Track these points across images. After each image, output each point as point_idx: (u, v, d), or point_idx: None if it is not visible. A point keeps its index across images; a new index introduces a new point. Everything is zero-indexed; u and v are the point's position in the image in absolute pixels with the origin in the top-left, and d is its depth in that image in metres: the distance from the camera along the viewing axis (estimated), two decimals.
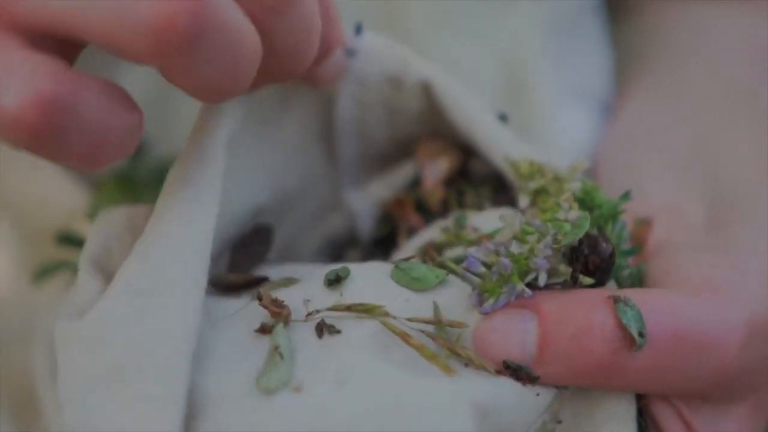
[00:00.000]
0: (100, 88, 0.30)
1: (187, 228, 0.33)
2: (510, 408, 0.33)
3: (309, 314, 0.34)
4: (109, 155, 0.31)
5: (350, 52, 0.40)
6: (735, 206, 0.43)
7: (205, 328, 0.33)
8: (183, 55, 0.29)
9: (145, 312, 0.32)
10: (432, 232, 0.40)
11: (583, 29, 0.52)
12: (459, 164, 0.42)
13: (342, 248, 0.44)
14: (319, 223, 0.44)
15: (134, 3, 0.28)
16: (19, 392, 0.48)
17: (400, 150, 0.43)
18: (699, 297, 0.35)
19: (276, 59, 0.33)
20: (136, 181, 0.48)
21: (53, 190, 0.49)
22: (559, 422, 0.35)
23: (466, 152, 0.42)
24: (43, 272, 0.46)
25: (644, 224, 0.40)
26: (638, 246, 0.38)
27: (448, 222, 0.39)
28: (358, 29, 0.40)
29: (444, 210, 0.41)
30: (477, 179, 0.42)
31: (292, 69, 0.34)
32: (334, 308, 0.34)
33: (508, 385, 0.33)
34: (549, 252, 0.34)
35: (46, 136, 0.29)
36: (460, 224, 0.39)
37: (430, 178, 0.42)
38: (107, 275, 0.35)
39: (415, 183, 0.42)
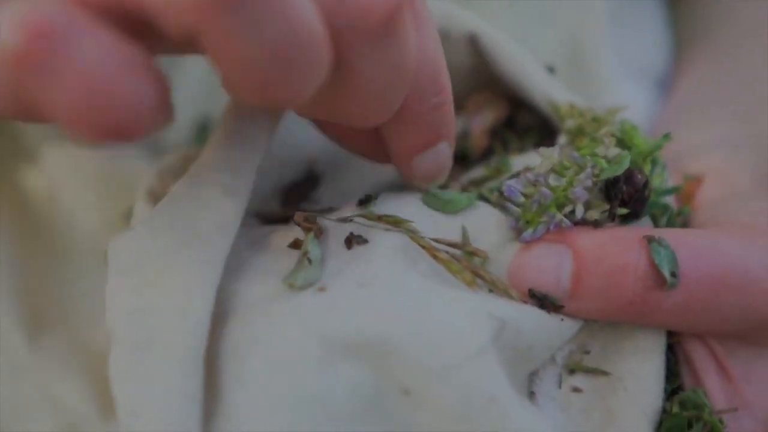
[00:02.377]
0: (111, 44, 0.28)
1: (235, 158, 0.35)
2: (531, 328, 0.34)
3: (340, 219, 0.35)
4: (110, 121, 0.28)
5: None
6: None
7: (243, 246, 0.35)
8: (223, 15, 0.27)
9: (185, 219, 0.34)
10: (475, 173, 0.41)
11: (643, 7, 0.53)
12: (504, 115, 0.43)
13: None
14: (372, 174, 0.45)
15: None
16: (99, 372, 0.49)
17: None
18: (738, 236, 0.35)
19: (350, 95, 0.31)
20: None
21: (132, 171, 0.51)
22: (587, 353, 0.36)
23: (512, 104, 0.43)
24: None
25: (693, 180, 0.41)
26: (679, 186, 0.38)
27: (491, 162, 0.40)
28: None
29: (487, 158, 0.42)
30: (522, 130, 0.43)
31: (366, 115, 0.32)
32: (364, 216, 0.35)
33: (530, 308, 0.34)
34: (589, 183, 0.34)
35: (31, 65, 0.27)
36: (502, 164, 0.40)
37: (477, 129, 0.43)
38: None
39: (464, 136, 0.43)
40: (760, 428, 0.36)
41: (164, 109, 0.29)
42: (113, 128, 0.28)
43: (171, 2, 0.27)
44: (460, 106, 0.44)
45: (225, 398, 0.31)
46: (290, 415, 0.30)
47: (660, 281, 0.34)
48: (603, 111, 0.38)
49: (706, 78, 0.50)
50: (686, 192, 0.41)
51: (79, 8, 0.28)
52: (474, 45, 0.42)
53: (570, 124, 0.38)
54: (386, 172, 0.45)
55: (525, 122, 0.43)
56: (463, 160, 0.43)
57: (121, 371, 0.31)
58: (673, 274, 0.34)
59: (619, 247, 0.34)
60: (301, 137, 0.42)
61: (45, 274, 0.47)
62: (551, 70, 0.43)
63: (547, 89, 0.41)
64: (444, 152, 0.36)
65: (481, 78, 0.43)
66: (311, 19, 0.28)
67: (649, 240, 0.34)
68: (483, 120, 0.43)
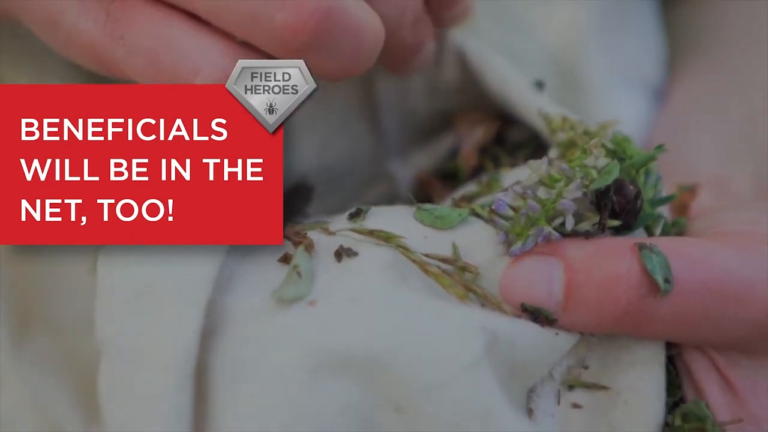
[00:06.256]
0: (365, 9, 0.34)
1: None
2: (525, 343, 0.33)
3: (330, 232, 0.35)
4: (357, 66, 0.35)
5: None
6: None
7: (232, 259, 0.35)
8: (309, 54, 0.33)
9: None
10: (467, 189, 0.40)
11: (635, 14, 0.52)
12: (494, 132, 0.42)
13: None
14: (364, 192, 0.45)
15: (270, 9, 0.33)
16: (85, 379, 0.49)
17: (441, 123, 0.44)
18: (735, 245, 0.35)
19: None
20: None
21: None
22: (586, 368, 0.35)
23: (502, 121, 0.43)
24: None
25: (689, 190, 0.40)
26: (672, 195, 0.38)
27: (483, 179, 0.40)
28: None
29: (478, 176, 0.42)
30: (513, 146, 0.42)
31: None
32: (355, 230, 0.35)
33: (524, 323, 0.34)
34: (579, 194, 0.34)
35: (321, 41, 0.33)
36: (493, 179, 0.39)
37: (466, 149, 0.42)
38: None
39: (454, 154, 0.43)
40: None
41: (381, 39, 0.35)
42: (359, 72, 0.35)
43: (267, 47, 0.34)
44: (449, 124, 0.44)
45: (215, 417, 0.31)
46: None
47: (654, 288, 0.33)
48: (595, 125, 0.38)
49: (702, 86, 0.50)
50: (681, 202, 0.41)
51: None
52: (463, 61, 0.42)
53: (561, 137, 0.38)
54: (378, 186, 0.45)
55: (515, 139, 0.42)
56: (453, 179, 0.43)
57: (111, 389, 0.31)
58: (667, 280, 0.33)
59: (610, 256, 0.34)
60: (288, 153, 0.42)
61: (33, 277, 0.47)
62: (540, 85, 0.42)
63: (535, 102, 0.40)
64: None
65: (471, 95, 0.43)
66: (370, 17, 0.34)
67: (641, 247, 0.34)
68: (472, 139, 0.42)
